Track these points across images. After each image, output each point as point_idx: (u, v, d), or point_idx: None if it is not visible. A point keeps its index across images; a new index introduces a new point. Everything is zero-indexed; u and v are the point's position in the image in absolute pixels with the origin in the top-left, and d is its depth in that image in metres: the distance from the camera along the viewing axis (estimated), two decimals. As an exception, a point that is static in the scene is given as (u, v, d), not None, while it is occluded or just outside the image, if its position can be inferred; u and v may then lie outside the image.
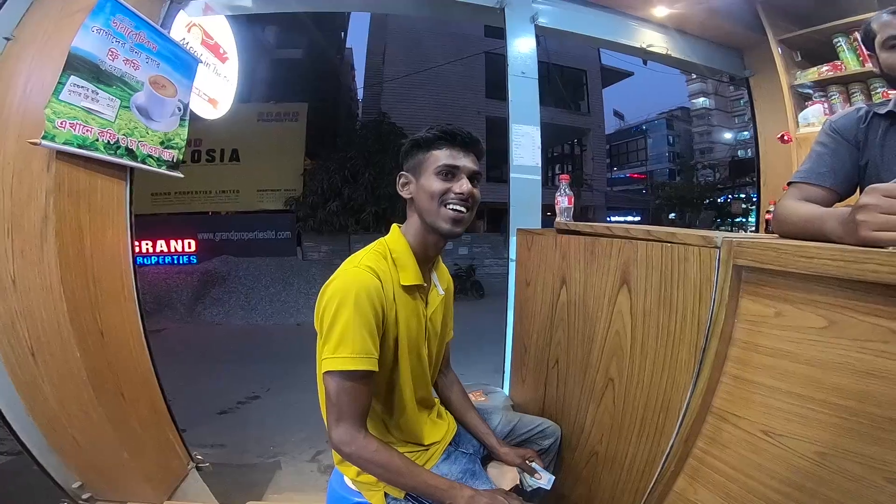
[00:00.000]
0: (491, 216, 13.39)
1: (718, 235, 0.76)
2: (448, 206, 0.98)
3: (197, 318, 7.12)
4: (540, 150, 2.12)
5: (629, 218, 21.63)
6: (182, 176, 1.75)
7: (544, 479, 1.13)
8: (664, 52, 2.71)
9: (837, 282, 0.61)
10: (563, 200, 1.46)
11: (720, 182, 19.23)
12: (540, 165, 2.12)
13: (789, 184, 1.10)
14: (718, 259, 0.76)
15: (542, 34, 2.39)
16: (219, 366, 4.71)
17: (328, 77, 13.80)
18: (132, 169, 1.56)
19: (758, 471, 0.74)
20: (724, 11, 2.63)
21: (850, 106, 2.20)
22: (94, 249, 1.45)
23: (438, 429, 1.13)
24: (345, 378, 0.87)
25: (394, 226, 1.08)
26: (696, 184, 19.66)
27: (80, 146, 1.34)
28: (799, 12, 2.49)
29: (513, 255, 1.80)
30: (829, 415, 0.65)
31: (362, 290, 0.89)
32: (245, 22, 2.41)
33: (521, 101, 2.19)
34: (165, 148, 1.68)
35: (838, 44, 2.28)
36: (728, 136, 29.66)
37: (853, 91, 2.29)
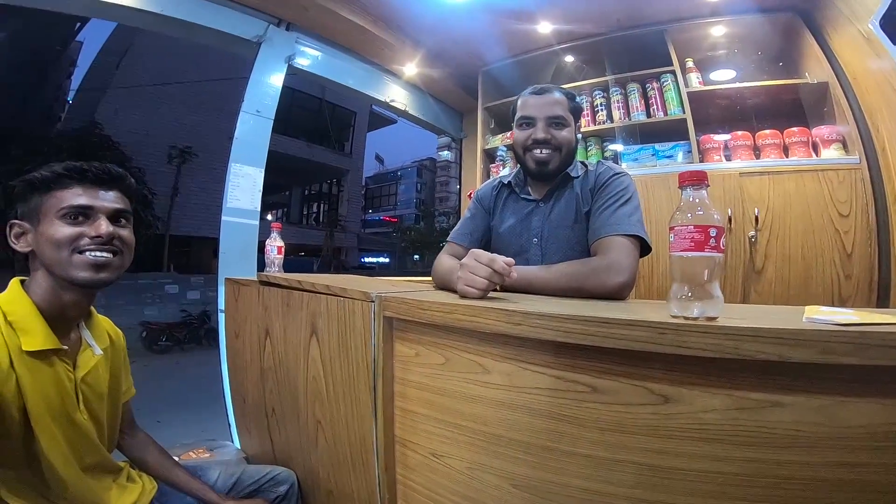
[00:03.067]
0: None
1: (374, 291, 0.89)
2: (83, 253, 0.84)
3: None
4: (260, 194, 2.06)
5: (380, 259, 23.11)
6: None
7: None
8: (403, 108, 3.06)
9: (445, 328, 0.78)
10: (273, 250, 1.45)
11: (451, 227, 22.48)
12: (258, 209, 2.05)
13: (447, 241, 1.34)
14: (374, 311, 0.88)
15: (295, 74, 2.42)
16: None
17: (28, 68, 10.54)
18: None
19: (440, 488, 0.85)
20: (456, 76, 3.10)
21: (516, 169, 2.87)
22: None
23: (129, 492, 1.00)
24: None
25: (13, 281, 0.87)
26: (434, 228, 22.29)
27: None
28: (504, 83, 3.04)
29: (221, 305, 1.69)
30: (461, 435, 0.79)
31: None
32: None
33: (248, 141, 2.11)
34: None
35: (513, 109, 2.91)
36: (458, 187, 34.72)
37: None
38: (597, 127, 2.68)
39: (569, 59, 2.95)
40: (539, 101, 1.22)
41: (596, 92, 2.76)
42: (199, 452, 1.56)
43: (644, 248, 1.10)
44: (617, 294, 0.98)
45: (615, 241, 1.06)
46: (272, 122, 2.21)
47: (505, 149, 2.95)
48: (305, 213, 17.52)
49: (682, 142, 2.40)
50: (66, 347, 0.87)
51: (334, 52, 2.60)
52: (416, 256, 22.09)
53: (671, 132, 2.45)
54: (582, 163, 1.28)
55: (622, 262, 1.01)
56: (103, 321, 1.03)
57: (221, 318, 1.70)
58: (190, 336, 7.83)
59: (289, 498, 1.25)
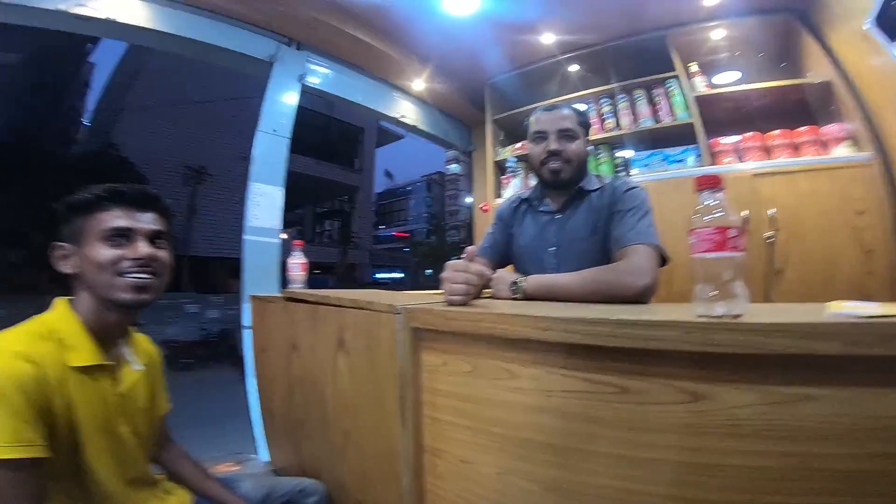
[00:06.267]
0: (248, 274, 12.36)
1: (401, 303, 0.92)
2: (125, 276, 0.87)
3: None
4: (281, 212, 2.11)
5: (393, 275, 23.16)
6: None
7: None
8: (413, 123, 3.12)
9: (472, 336, 0.80)
10: (296, 267, 1.49)
11: (463, 241, 22.45)
12: (280, 228, 2.09)
13: None
14: (400, 323, 0.91)
15: (309, 93, 2.47)
16: None
17: (46, 92, 10.90)
18: None
19: (471, 495, 0.86)
20: (462, 91, 3.17)
21: (531, 180, 2.86)
22: None
23: None
24: (2, 467, 0.72)
25: (58, 301, 0.91)
26: (446, 242, 22.42)
27: None
28: (512, 95, 3.10)
29: (247, 321, 1.73)
30: (490, 441, 0.80)
31: (8, 381, 0.74)
32: None
33: (266, 159, 2.18)
34: None
35: (526, 125, 2.96)
36: (469, 200, 34.80)
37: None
38: (605, 134, 2.70)
39: (573, 68, 2.99)
40: (550, 116, 1.31)
41: (602, 100, 2.78)
42: (228, 465, 1.59)
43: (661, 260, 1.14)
44: (640, 297, 1.01)
45: (638, 248, 1.10)
46: (289, 140, 2.27)
47: (514, 160, 2.99)
48: (318, 230, 17.69)
49: (691, 146, 2.42)
50: (110, 363, 0.91)
51: (344, 69, 2.67)
52: (429, 271, 22.10)
53: (680, 137, 2.47)
54: (597, 176, 1.34)
55: (645, 266, 1.04)
56: (141, 338, 1.07)
57: (247, 334, 1.74)
58: (210, 354, 7.93)
59: None
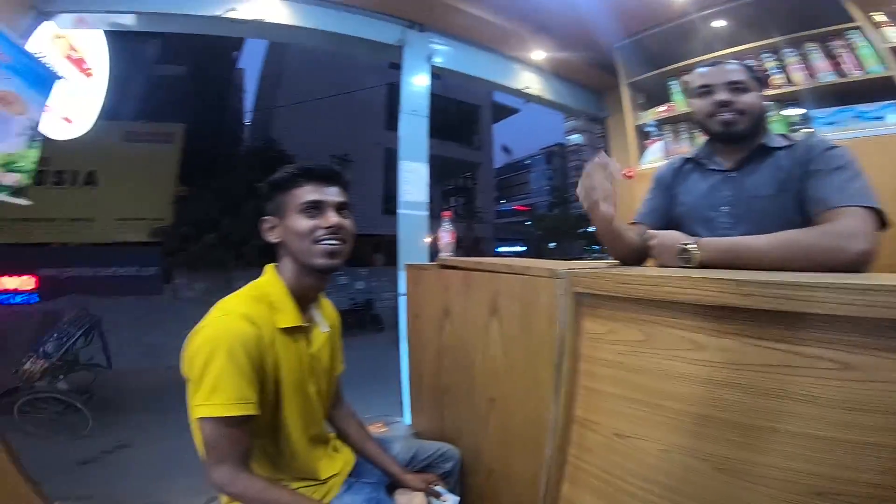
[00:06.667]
0: (388, 249, 13.36)
1: (563, 267, 0.89)
2: (320, 243, 0.98)
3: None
4: (427, 187, 2.22)
5: (515, 248, 23.09)
6: (28, 203, 1.54)
7: (449, 501, 1.17)
8: (539, 94, 3.05)
9: (648, 302, 0.75)
10: (446, 236, 1.56)
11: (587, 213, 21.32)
12: (427, 201, 2.21)
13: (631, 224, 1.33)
14: (562, 288, 0.88)
15: (439, 73, 2.55)
16: (73, 415, 4.08)
17: (213, 98, 12.90)
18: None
19: (621, 470, 0.83)
20: (590, 57, 3.00)
21: (678, 143, 2.64)
22: None
23: (335, 462, 1.13)
24: (222, 423, 0.85)
25: (268, 267, 1.06)
26: (570, 215, 21.52)
27: None
28: (646, 57, 2.86)
29: (402, 289, 1.85)
30: (659, 415, 0.76)
31: (235, 340, 0.87)
32: (123, 35, 2.24)
33: (410, 138, 2.29)
34: (7, 171, 1.47)
35: (672, 86, 2.69)
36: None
37: (681, 130, 2.66)
38: (773, 91, 2.39)
39: (718, 24, 2.63)
40: (715, 69, 1.21)
41: (764, 55, 2.46)
42: (376, 427, 1.73)
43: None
44: (855, 264, 0.85)
45: (850, 210, 0.93)
46: (428, 119, 2.36)
47: (655, 124, 2.79)
48: (444, 207, 18.35)
49: (890, 101, 2.05)
50: (307, 325, 1.05)
51: (465, 47, 2.69)
52: (552, 244, 21.57)
53: (872, 92, 2.11)
54: (783, 135, 1.20)
55: (861, 228, 0.87)
56: (326, 303, 1.20)
57: (402, 301, 1.87)
58: (357, 321, 8.82)
59: (452, 474, 1.31)
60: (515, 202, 34.00)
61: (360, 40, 2.40)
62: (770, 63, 2.43)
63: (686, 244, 0.97)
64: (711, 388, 0.69)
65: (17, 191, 1.51)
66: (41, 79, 1.58)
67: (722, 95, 1.16)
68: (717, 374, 0.68)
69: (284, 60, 13.24)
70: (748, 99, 1.15)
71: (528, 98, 3.13)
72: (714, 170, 1.23)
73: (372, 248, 11.54)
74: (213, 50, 11.98)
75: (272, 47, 14.54)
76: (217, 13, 2.12)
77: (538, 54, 2.91)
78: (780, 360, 0.61)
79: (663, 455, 0.75)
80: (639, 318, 0.78)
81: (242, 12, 2.16)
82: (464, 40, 2.69)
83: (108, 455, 3.16)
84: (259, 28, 2.26)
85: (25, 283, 7.97)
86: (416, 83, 2.42)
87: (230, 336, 0.87)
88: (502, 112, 18.98)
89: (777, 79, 2.40)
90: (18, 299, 7.90)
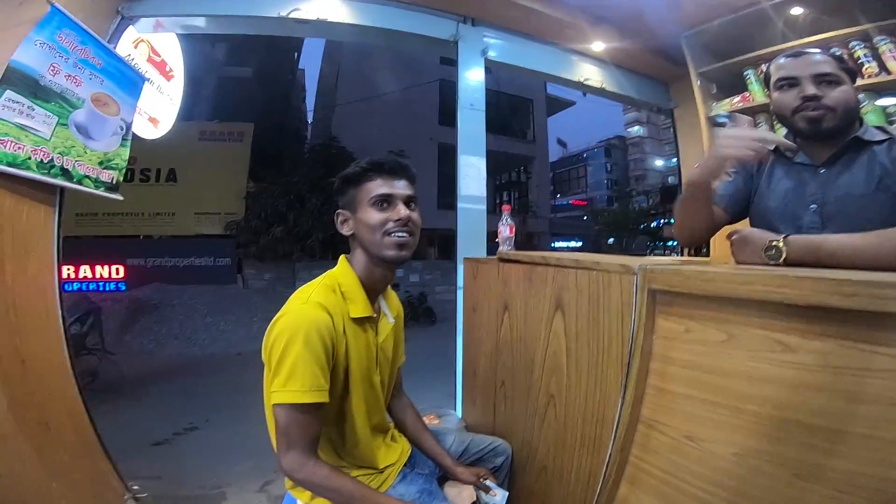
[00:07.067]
0: (441, 243, 13.53)
1: (636, 263, 0.85)
2: (391, 235, 1.00)
3: (125, 349, 6.61)
4: (485, 181, 2.22)
5: (571, 244, 22.54)
6: (122, 198, 1.70)
7: (498, 496, 1.17)
8: (599, 86, 2.95)
9: (732, 300, 0.70)
10: (505, 230, 1.55)
11: (653, 208, 20.41)
12: (485, 195, 2.21)
13: None
14: (636, 284, 0.85)
15: (492, 67, 2.54)
16: (150, 397, 4.43)
17: (277, 98, 13.54)
18: (63, 190, 1.50)
19: (686, 473, 0.80)
20: (653, 46, 2.88)
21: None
22: (16, 276, 1.37)
23: (393, 452, 1.15)
24: (295, 410, 0.88)
25: (342, 258, 1.09)
26: (632, 210, 20.70)
27: (9, 164, 1.28)
28: (717, 46, 2.72)
29: (460, 282, 1.87)
30: (737, 418, 0.72)
31: (312, 327, 0.90)
32: (194, 38, 2.40)
33: (468, 133, 2.29)
34: (104, 168, 1.63)
35: (748, 76, 2.53)
36: (659, 163, 31.10)
37: (759, 121, 2.51)
38: (868, 81, 2.20)
39: (796, 11, 2.43)
40: (800, 60, 1.11)
41: (853, 43, 2.27)
42: (430, 418, 1.75)
43: None
44: None
45: None
46: (484, 113, 2.36)
47: (726, 115, 2.62)
48: (498, 201, 18.22)
49: None
50: (375, 315, 1.08)
51: (519, 40, 2.65)
52: (611, 240, 20.84)
53: None
54: (879, 127, 1.09)
55: None
56: (392, 294, 1.22)
57: (459, 294, 1.88)
58: (411, 314, 8.97)
59: (503, 469, 1.30)
60: (572, 196, 33.16)
61: (415, 36, 2.43)
62: (860, 51, 2.24)
63: (774, 241, 0.91)
64: (802, 393, 0.64)
65: (111, 187, 1.66)
66: (131, 81, 1.72)
67: (809, 90, 1.05)
68: (809, 377, 0.63)
69: (341, 60, 13.63)
70: (838, 94, 1.05)
71: (588, 90, 3.04)
72: (801, 164, 1.13)
73: (426, 241, 11.70)
74: (276, 51, 12.56)
75: (328, 47, 15.01)
76: (282, 14, 2.21)
77: (598, 45, 2.82)
78: (881, 364, 0.56)
79: (736, 459, 0.72)
80: (720, 317, 0.73)
81: (305, 12, 2.24)
82: (518, 33, 2.65)
83: (178, 437, 3.37)
84: (321, 27, 2.34)
85: (115, 272, 8.78)
86: (472, 78, 2.42)
87: (307, 323, 0.90)
88: (557, 105, 18.59)
89: (870, 67, 2.20)
90: (109, 287, 8.71)
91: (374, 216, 1.00)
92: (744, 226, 1.14)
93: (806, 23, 2.47)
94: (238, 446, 2.99)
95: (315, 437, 0.93)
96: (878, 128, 1.09)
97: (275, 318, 0.94)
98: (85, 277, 8.58)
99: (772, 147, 0.96)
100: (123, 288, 8.66)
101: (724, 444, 0.74)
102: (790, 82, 1.10)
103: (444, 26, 2.44)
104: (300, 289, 1.01)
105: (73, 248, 8.08)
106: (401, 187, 1.04)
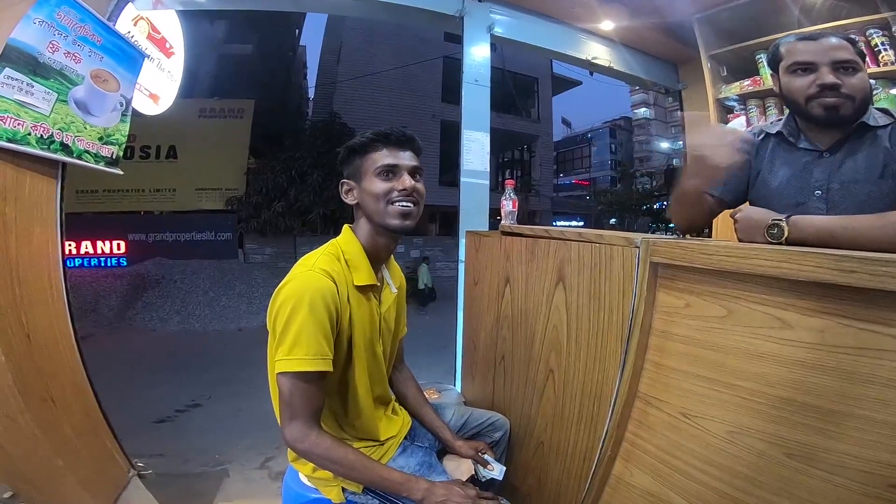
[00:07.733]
0: (443, 219, 13.46)
1: (638, 236, 0.85)
2: (395, 204, 1.00)
3: (127, 324, 6.67)
4: (489, 156, 2.20)
5: (573, 223, 22.45)
6: (121, 173, 1.69)
7: (496, 470, 1.19)
8: (607, 65, 2.89)
9: (733, 275, 0.70)
10: (508, 204, 1.54)
11: (656, 189, 20.26)
12: (488, 170, 2.20)
13: None
14: (638, 257, 0.85)
15: (498, 43, 2.48)
16: (153, 373, 4.46)
17: (278, 74, 13.32)
18: (64, 165, 1.49)
19: (680, 450, 0.81)
20: (663, 27, 2.80)
21: (765, 119, 2.43)
22: (20, 248, 1.37)
23: (394, 424, 1.16)
24: (298, 379, 0.89)
25: (345, 227, 1.09)
26: (635, 191, 20.54)
27: (9, 140, 1.27)
28: (729, 29, 2.63)
29: (462, 256, 1.87)
30: (732, 396, 0.73)
31: (317, 293, 0.90)
32: (193, 15, 2.35)
33: (472, 109, 2.26)
34: (104, 144, 1.61)
35: (759, 60, 2.47)
36: (665, 145, 30.79)
37: (768, 105, 2.47)
38: (883, 69, 2.14)
39: None
40: (818, 45, 1.04)
41: (871, 31, 2.19)
42: (430, 393, 1.76)
43: None
44: None
45: None
46: (489, 89, 2.32)
47: (737, 98, 2.58)
48: (500, 179, 18.07)
49: None
50: (378, 284, 1.08)
51: (526, 17, 2.58)
52: (613, 220, 20.76)
53: None
54: (882, 110, 1.05)
55: None
56: (395, 265, 1.22)
57: (461, 268, 1.88)
58: (411, 290, 9.01)
59: (500, 444, 1.32)
60: (575, 176, 32.87)
61: (420, 11, 2.35)
62: (878, 39, 2.17)
63: (776, 220, 0.90)
64: (796, 370, 0.65)
65: (111, 161, 1.65)
66: (130, 58, 1.69)
67: (828, 78, 1.00)
68: (805, 355, 0.64)
69: (343, 36, 13.37)
70: (857, 82, 1.00)
71: (596, 69, 2.97)
72: (804, 149, 1.10)
73: (427, 217, 11.69)
74: (277, 28, 12.28)
75: (330, 23, 14.69)
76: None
77: (607, 24, 2.74)
78: (882, 344, 0.56)
79: (732, 438, 0.73)
80: (721, 292, 0.74)
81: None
82: (525, 10, 2.58)
83: (180, 414, 3.42)
84: (322, 1, 2.27)
85: (116, 247, 8.80)
86: (477, 54, 2.37)
87: (312, 289, 0.90)
88: (563, 85, 18.26)
89: (886, 55, 2.14)
90: (111, 262, 8.74)
91: (379, 185, 1.00)
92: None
93: (823, 8, 2.38)
94: (240, 423, 3.05)
95: (318, 408, 0.94)
96: (881, 110, 1.06)
97: (280, 285, 0.94)
98: (87, 253, 8.60)
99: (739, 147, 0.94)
100: (125, 263, 8.69)
101: (718, 421, 0.75)
102: (806, 67, 1.04)
103: (450, 1, 2.38)
104: (305, 256, 1.01)
105: (75, 225, 8.09)
106: (406, 158, 1.04)
